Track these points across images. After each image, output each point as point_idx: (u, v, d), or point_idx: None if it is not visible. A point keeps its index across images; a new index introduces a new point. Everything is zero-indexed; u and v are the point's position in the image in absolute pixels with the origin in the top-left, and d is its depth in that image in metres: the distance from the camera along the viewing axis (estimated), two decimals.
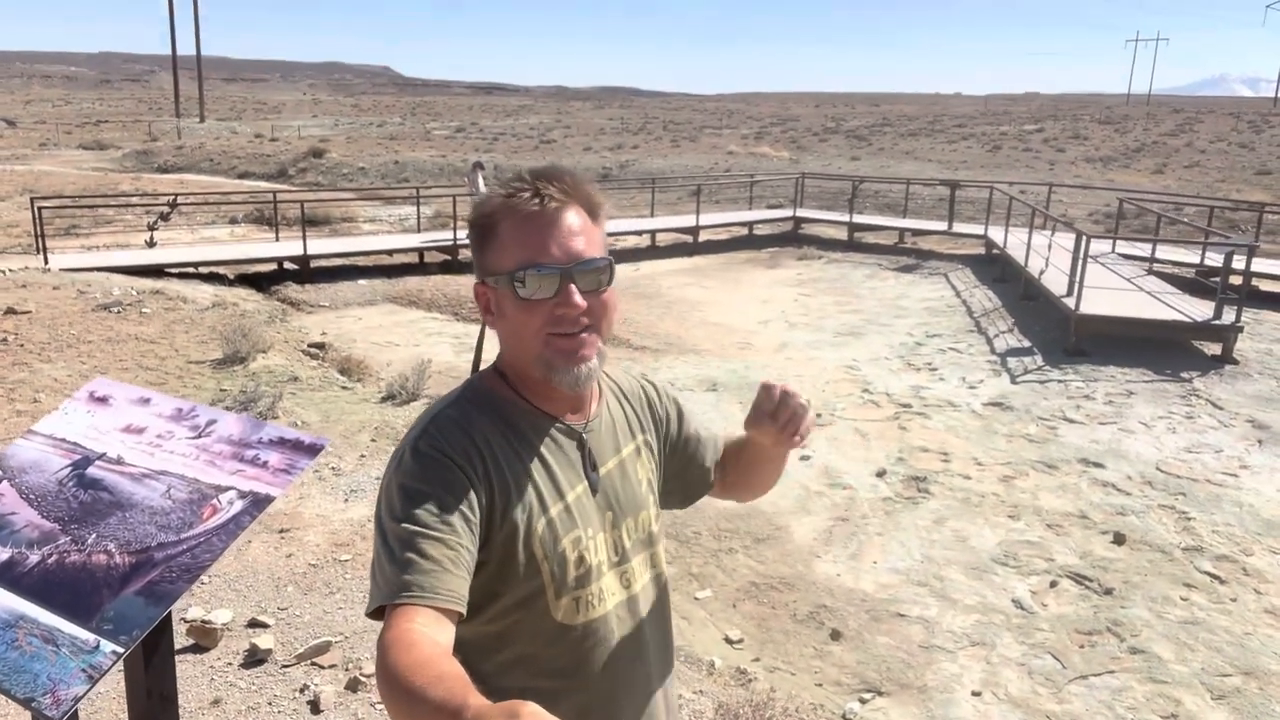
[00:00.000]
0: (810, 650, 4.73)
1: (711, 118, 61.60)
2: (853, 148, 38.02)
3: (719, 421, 7.81)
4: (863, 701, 4.28)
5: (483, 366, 1.35)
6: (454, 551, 1.10)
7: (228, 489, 1.93)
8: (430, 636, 1.02)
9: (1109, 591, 5.18)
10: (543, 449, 1.25)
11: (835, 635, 4.83)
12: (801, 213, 19.07)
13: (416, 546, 1.09)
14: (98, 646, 1.68)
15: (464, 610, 1.10)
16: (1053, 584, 5.28)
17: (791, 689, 4.31)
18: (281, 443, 2.01)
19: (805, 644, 4.78)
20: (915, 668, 4.55)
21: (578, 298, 1.17)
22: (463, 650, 1.16)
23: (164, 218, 15.87)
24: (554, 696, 1.20)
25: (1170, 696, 4.25)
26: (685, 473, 1.49)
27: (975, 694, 4.34)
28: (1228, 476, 6.69)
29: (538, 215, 1.18)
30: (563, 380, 1.21)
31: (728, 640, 4.68)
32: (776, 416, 1.31)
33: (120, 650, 1.67)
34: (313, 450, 1.99)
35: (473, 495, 1.15)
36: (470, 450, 1.18)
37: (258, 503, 1.90)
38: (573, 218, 1.20)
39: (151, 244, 14.21)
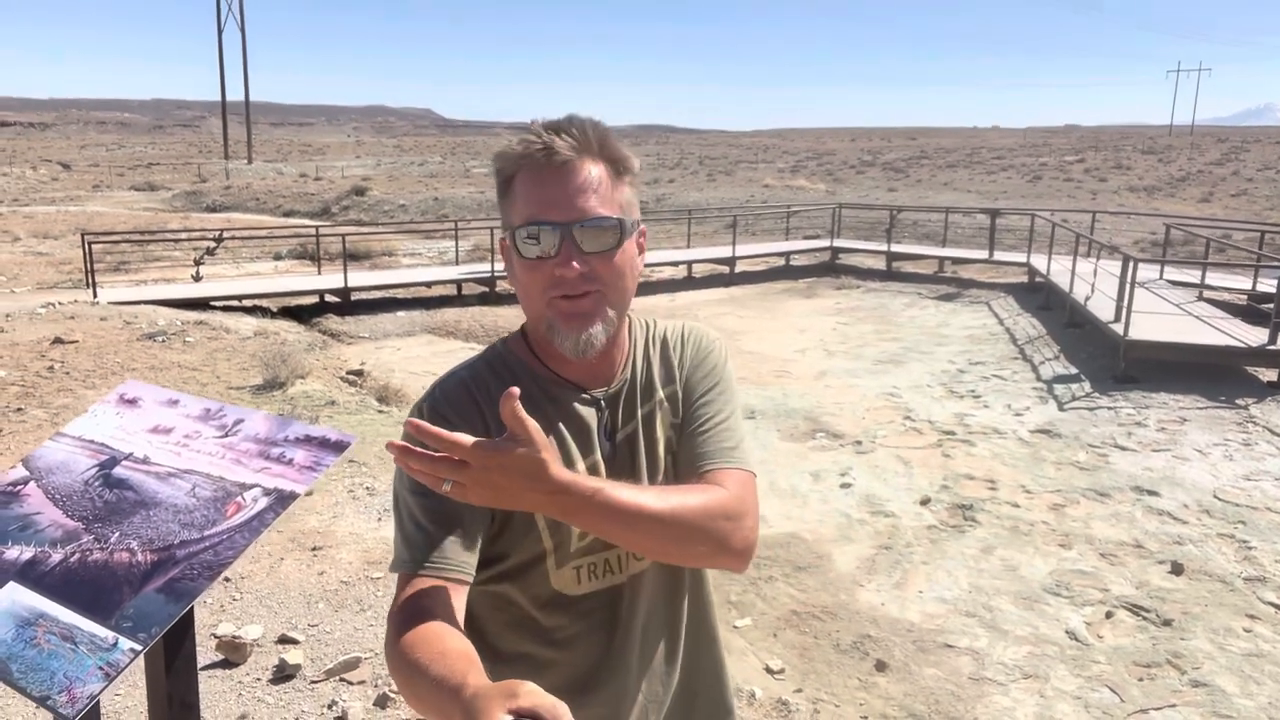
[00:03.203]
0: (855, 681, 4.56)
1: (747, 153, 61.93)
2: (890, 180, 37.90)
3: (759, 450, 7.70)
4: None
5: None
6: (458, 519, 1.09)
7: (252, 486, 1.89)
8: (438, 611, 1.02)
9: (1168, 623, 4.95)
10: (555, 415, 1.19)
11: (880, 666, 4.66)
12: (839, 243, 18.97)
13: (420, 516, 1.10)
14: (116, 644, 1.63)
15: (470, 578, 1.09)
16: (1108, 615, 5.07)
17: None
18: (308, 440, 1.97)
19: (849, 675, 4.61)
20: (965, 700, 4.36)
21: (575, 262, 1.11)
22: (469, 607, 1.14)
23: (210, 253, 16.22)
24: (551, 665, 1.19)
25: None
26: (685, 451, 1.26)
27: None
28: None
29: (544, 168, 1.12)
30: (564, 344, 1.15)
31: (768, 670, 4.53)
32: None
33: (138, 648, 1.62)
34: (339, 447, 1.94)
35: None
36: (473, 413, 1.15)
37: (282, 500, 1.85)
38: (584, 172, 1.13)
39: (197, 278, 14.51)
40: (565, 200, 1.11)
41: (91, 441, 2.14)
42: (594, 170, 1.13)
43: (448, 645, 0.94)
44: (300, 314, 13.20)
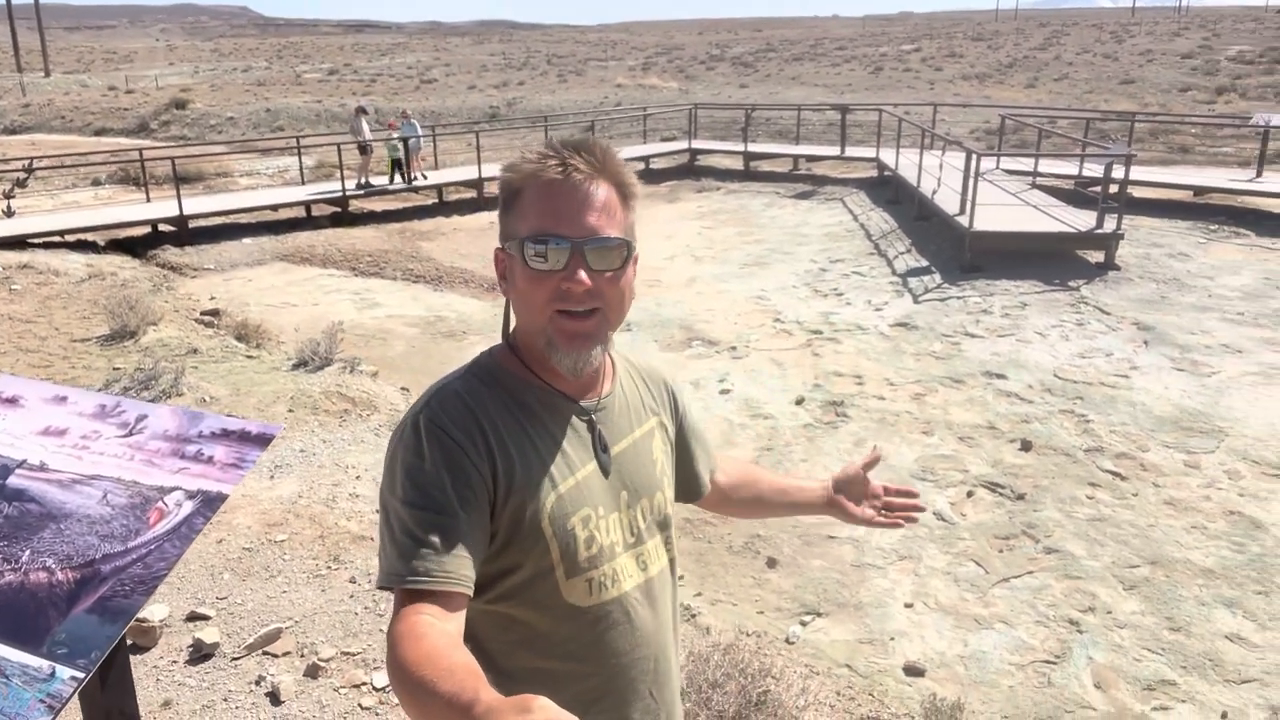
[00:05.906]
0: (749, 580, 4.85)
1: (595, 49, 60.43)
2: (740, 75, 37.97)
3: None
4: (803, 624, 4.43)
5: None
6: (457, 532, 1.08)
7: (173, 489, 1.81)
8: (439, 626, 1.01)
9: (1021, 497, 5.46)
10: (552, 426, 1.21)
11: (771, 563, 4.96)
12: (696, 144, 19.00)
13: (417, 530, 1.08)
14: (54, 674, 1.56)
15: (470, 592, 1.08)
16: (969, 494, 5.54)
17: (736, 619, 4.42)
18: (225, 434, 1.89)
19: (744, 575, 4.90)
20: (849, 586, 4.73)
21: (584, 275, 1.13)
22: (470, 628, 1.14)
23: (20, 184, 14.65)
24: (564, 679, 1.21)
25: (1086, 591, 4.54)
26: (683, 471, 1.47)
27: (908, 605, 4.55)
28: (1119, 378, 7.10)
29: (559, 185, 1.14)
30: (561, 361, 1.18)
31: None
32: (870, 502, 1.60)
33: (80, 675, 1.56)
34: (262, 440, 1.87)
35: (474, 472, 1.12)
36: (472, 426, 1.15)
37: (209, 502, 1.78)
38: (596, 193, 1.16)
39: (9, 213, 13.14)
40: (578, 217, 1.14)
41: None
42: (606, 192, 1.17)
43: (454, 661, 0.94)
44: (133, 247, 12.21)
